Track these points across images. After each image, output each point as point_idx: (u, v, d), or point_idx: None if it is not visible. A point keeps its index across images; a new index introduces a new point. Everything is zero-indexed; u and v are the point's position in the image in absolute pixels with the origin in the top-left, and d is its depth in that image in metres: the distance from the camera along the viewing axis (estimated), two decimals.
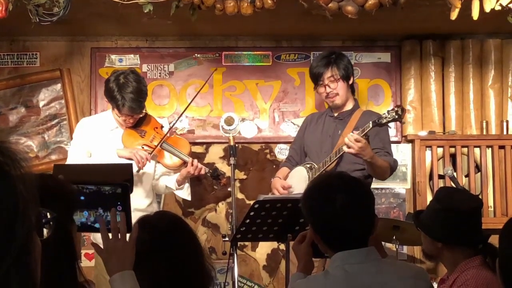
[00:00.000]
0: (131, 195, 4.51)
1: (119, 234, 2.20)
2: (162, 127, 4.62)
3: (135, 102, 4.32)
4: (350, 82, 4.58)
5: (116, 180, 2.13)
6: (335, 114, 4.62)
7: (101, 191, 2.20)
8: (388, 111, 4.16)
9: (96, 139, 4.48)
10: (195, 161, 4.46)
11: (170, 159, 4.54)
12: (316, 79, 4.55)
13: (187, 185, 4.62)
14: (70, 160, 4.52)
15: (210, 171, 4.54)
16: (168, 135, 4.56)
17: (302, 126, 4.87)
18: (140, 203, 4.46)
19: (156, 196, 4.77)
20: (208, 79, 4.82)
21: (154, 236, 2.40)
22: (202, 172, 4.47)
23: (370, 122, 4.14)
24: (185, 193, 4.65)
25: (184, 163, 4.48)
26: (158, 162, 4.55)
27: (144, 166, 4.38)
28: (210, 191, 5.50)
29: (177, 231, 2.44)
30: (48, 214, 1.27)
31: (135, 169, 4.35)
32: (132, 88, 4.31)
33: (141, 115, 4.49)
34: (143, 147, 4.47)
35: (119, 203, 2.19)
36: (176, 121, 4.79)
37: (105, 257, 2.20)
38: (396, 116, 4.07)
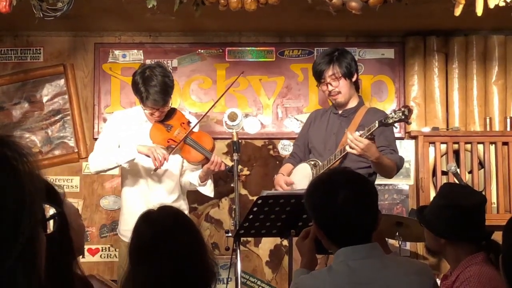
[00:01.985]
0: (155, 192, 4.56)
1: None
2: (189, 122, 4.64)
3: (158, 95, 4.36)
4: (354, 79, 4.55)
5: None
6: (340, 112, 4.60)
7: None
8: (394, 111, 4.14)
9: (126, 132, 4.54)
10: (216, 157, 4.49)
11: (192, 154, 4.56)
12: (319, 77, 4.55)
13: (209, 181, 4.65)
14: (96, 151, 4.55)
15: (229, 167, 4.57)
16: (193, 130, 4.58)
17: (306, 123, 4.86)
18: (164, 200, 4.47)
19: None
20: (237, 79, 4.74)
21: (157, 231, 2.40)
22: (222, 168, 4.49)
23: (376, 121, 4.12)
24: (207, 189, 4.68)
25: (206, 159, 4.50)
26: (181, 156, 4.58)
27: (162, 166, 4.39)
28: (214, 186, 5.49)
29: (180, 226, 2.44)
30: (52, 209, 1.27)
31: (152, 166, 4.39)
32: (157, 82, 4.36)
33: (166, 109, 4.52)
34: (168, 141, 4.51)
35: None
36: (203, 117, 4.78)
37: None
38: (403, 117, 4.05)
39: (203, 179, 4.59)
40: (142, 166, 4.51)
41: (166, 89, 4.40)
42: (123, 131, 4.54)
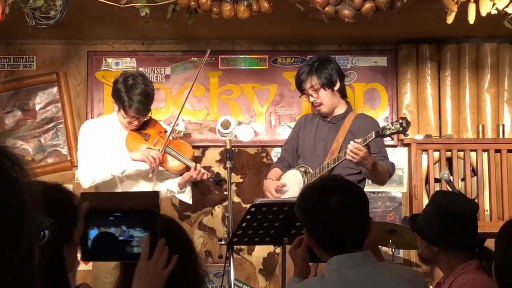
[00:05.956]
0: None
1: (158, 261, 2.09)
2: (166, 131, 4.66)
3: (141, 104, 4.38)
4: (336, 88, 4.52)
5: (144, 207, 2.08)
6: (328, 119, 4.60)
7: (128, 218, 2.13)
8: (392, 123, 4.15)
9: (104, 141, 4.52)
10: (198, 166, 4.52)
11: (173, 163, 4.57)
12: (299, 88, 4.55)
13: (188, 188, 4.66)
14: (84, 166, 4.52)
15: (212, 176, 4.56)
16: (171, 139, 4.61)
17: (295, 128, 4.86)
18: None
19: None
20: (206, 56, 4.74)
21: None
22: (205, 177, 4.53)
23: (373, 132, 4.12)
24: (186, 196, 4.69)
25: (187, 168, 4.51)
26: (161, 166, 4.57)
27: (157, 166, 4.46)
28: (206, 194, 5.49)
29: (171, 235, 2.44)
30: (45, 220, 1.27)
31: (147, 167, 4.46)
32: (140, 90, 4.37)
33: (145, 119, 4.53)
34: None
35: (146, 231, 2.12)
36: (174, 124, 4.77)
37: (136, 277, 2.10)
38: (401, 128, 4.05)
39: (182, 186, 4.61)
40: (115, 175, 4.50)
41: (149, 98, 4.44)
42: (100, 141, 4.53)
